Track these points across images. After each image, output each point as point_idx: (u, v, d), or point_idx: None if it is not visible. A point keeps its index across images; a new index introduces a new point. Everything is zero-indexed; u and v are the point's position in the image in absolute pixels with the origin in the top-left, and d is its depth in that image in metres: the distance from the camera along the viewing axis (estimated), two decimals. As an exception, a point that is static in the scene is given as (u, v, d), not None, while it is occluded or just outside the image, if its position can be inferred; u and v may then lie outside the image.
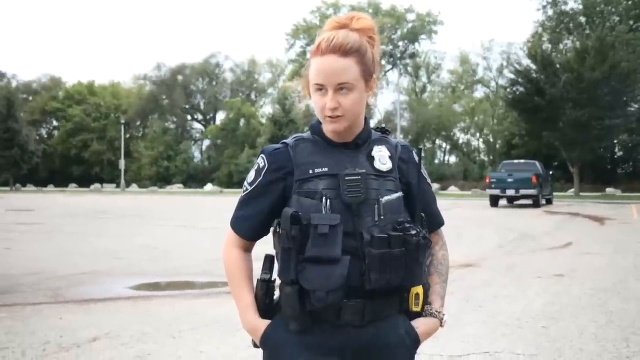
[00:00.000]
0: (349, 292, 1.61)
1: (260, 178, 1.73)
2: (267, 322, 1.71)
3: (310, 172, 1.67)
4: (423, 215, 1.74)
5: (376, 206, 1.65)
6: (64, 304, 6.33)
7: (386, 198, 1.68)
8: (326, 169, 1.66)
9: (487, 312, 5.86)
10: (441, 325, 1.77)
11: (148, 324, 5.40)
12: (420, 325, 1.73)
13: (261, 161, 1.74)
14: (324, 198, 1.63)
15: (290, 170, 1.69)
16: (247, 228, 1.76)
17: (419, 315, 1.74)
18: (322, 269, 1.57)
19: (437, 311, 1.76)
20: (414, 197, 1.75)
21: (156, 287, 7.72)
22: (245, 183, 1.78)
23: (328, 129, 1.69)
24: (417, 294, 1.72)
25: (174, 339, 4.94)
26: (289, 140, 1.76)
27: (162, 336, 5.02)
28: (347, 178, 1.63)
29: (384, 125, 1.85)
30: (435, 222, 1.86)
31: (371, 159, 1.72)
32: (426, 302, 1.76)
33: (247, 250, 1.81)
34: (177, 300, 6.71)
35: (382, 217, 1.65)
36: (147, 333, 5.10)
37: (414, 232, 1.63)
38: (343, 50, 1.63)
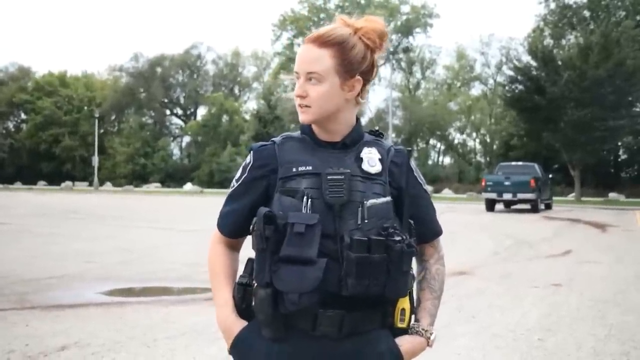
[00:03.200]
0: (327, 300, 1.63)
1: (245, 174, 1.78)
2: (244, 322, 1.74)
3: (294, 170, 1.70)
4: (411, 222, 1.75)
5: (360, 209, 1.67)
6: (31, 310, 6.31)
7: (371, 201, 1.69)
8: (310, 167, 1.69)
9: (480, 323, 5.90)
10: (428, 345, 1.77)
11: (120, 332, 5.40)
12: (404, 343, 1.73)
13: (248, 158, 1.80)
14: (305, 197, 1.66)
15: (274, 167, 1.73)
16: (228, 225, 1.82)
17: (404, 332, 1.75)
18: (296, 270, 1.59)
19: (423, 329, 1.76)
20: (405, 203, 1.76)
21: (130, 293, 7.71)
22: (233, 180, 1.84)
23: (299, 118, 1.74)
24: (403, 309, 1.73)
25: (148, 348, 4.94)
26: (277, 138, 1.81)
27: (135, 345, 5.02)
28: (329, 177, 1.66)
29: (377, 128, 1.88)
30: (430, 231, 1.86)
31: (359, 160, 1.74)
32: (414, 318, 1.77)
33: (233, 248, 1.86)
34: (152, 306, 6.70)
35: (366, 221, 1.66)
36: (119, 342, 5.10)
37: (397, 238, 1.63)
38: (321, 41, 1.69)
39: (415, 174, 1.82)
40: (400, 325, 1.74)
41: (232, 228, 1.82)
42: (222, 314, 1.76)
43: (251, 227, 1.73)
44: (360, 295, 1.62)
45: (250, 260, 1.76)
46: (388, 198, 1.73)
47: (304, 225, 1.61)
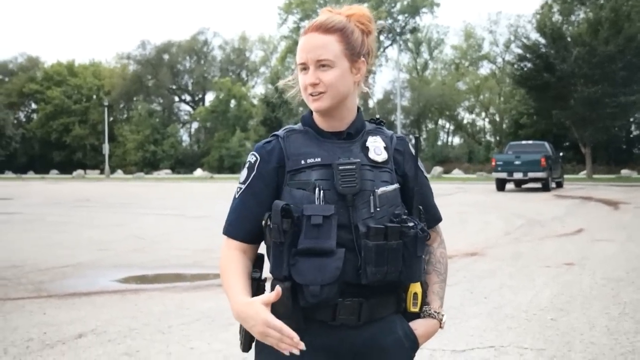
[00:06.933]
0: (345, 289, 1.64)
1: (254, 172, 1.74)
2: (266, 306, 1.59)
3: (302, 162, 1.70)
4: (421, 207, 1.78)
5: (371, 197, 1.69)
6: (47, 299, 6.37)
7: (382, 189, 1.71)
8: (319, 159, 1.70)
9: (492, 304, 5.91)
10: (440, 327, 1.81)
11: (136, 319, 5.45)
12: (418, 326, 1.77)
13: (252, 157, 1.77)
14: (317, 189, 1.66)
15: (282, 161, 1.72)
16: (245, 230, 1.75)
17: (417, 315, 1.78)
18: (315, 262, 1.60)
19: (435, 311, 1.80)
20: (411, 190, 1.78)
21: (144, 280, 7.76)
22: (238, 184, 1.80)
23: (311, 107, 1.74)
24: (415, 293, 1.76)
25: (163, 335, 4.98)
26: (280, 132, 1.80)
27: (150, 332, 5.06)
28: (340, 167, 1.67)
29: (377, 116, 1.88)
30: (432, 217, 1.89)
31: (365, 149, 1.76)
32: (424, 302, 1.79)
33: (248, 256, 1.76)
34: (165, 293, 6.75)
35: (378, 209, 1.69)
36: (135, 328, 5.15)
37: (411, 224, 1.66)
38: (324, 28, 1.71)
39: (419, 161, 1.84)
40: (413, 309, 1.77)
41: (249, 231, 1.74)
42: (241, 301, 1.62)
43: (264, 222, 1.69)
44: (379, 283, 1.65)
45: (258, 255, 1.77)
46: (396, 185, 1.75)
47: (321, 217, 1.61)
